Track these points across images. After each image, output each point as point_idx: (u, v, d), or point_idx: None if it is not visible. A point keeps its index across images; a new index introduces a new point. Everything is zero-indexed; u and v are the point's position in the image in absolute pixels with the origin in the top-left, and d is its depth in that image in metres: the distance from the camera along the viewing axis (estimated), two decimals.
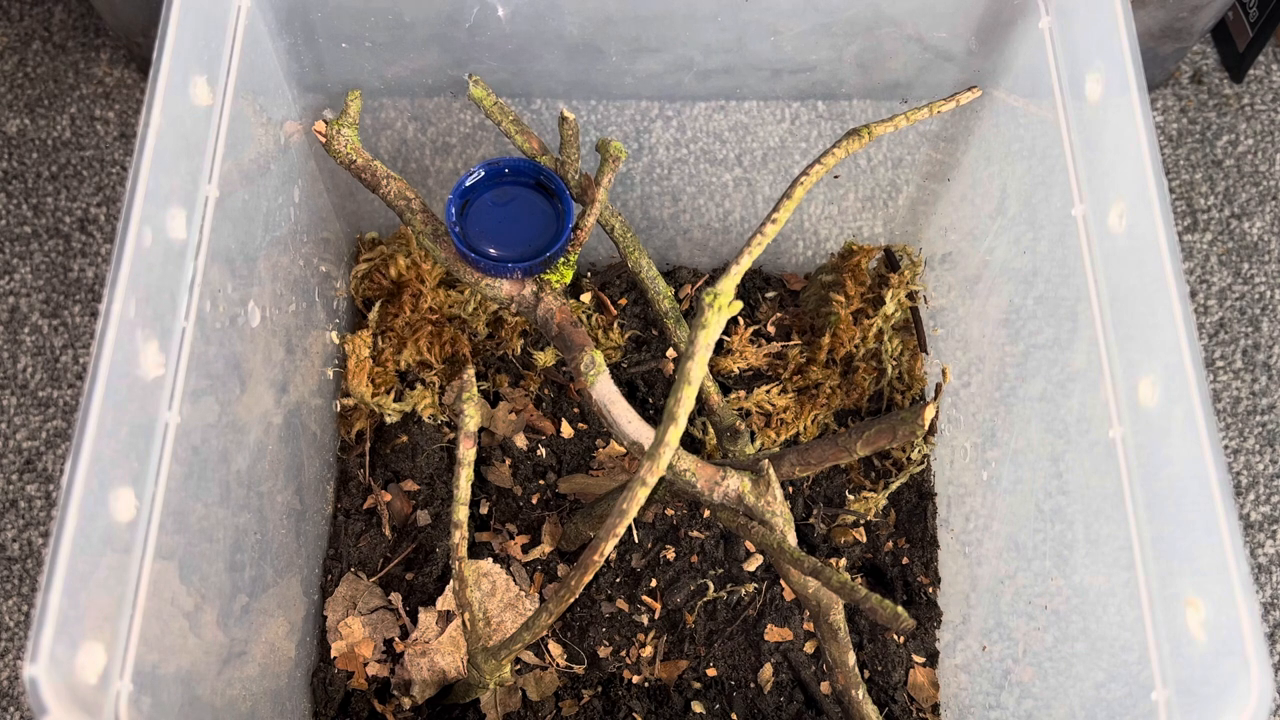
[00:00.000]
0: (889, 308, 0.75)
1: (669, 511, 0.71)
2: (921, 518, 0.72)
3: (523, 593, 0.69)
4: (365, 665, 0.68)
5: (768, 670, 0.68)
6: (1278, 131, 0.92)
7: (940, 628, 0.70)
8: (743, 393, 0.74)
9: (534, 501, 0.72)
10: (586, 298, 0.77)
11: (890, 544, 0.72)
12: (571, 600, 0.52)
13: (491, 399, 0.75)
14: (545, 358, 0.75)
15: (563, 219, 0.59)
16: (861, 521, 0.72)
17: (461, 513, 0.56)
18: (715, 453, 0.72)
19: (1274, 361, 0.84)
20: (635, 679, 0.67)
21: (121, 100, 0.92)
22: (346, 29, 0.61)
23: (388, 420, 0.73)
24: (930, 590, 0.71)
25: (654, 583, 0.69)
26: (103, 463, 0.42)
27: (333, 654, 0.68)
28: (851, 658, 0.61)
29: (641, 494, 0.46)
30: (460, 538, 0.56)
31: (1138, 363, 0.48)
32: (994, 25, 0.60)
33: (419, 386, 0.73)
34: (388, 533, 0.71)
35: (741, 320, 0.77)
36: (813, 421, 0.74)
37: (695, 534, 0.70)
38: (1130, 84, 0.50)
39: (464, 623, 0.58)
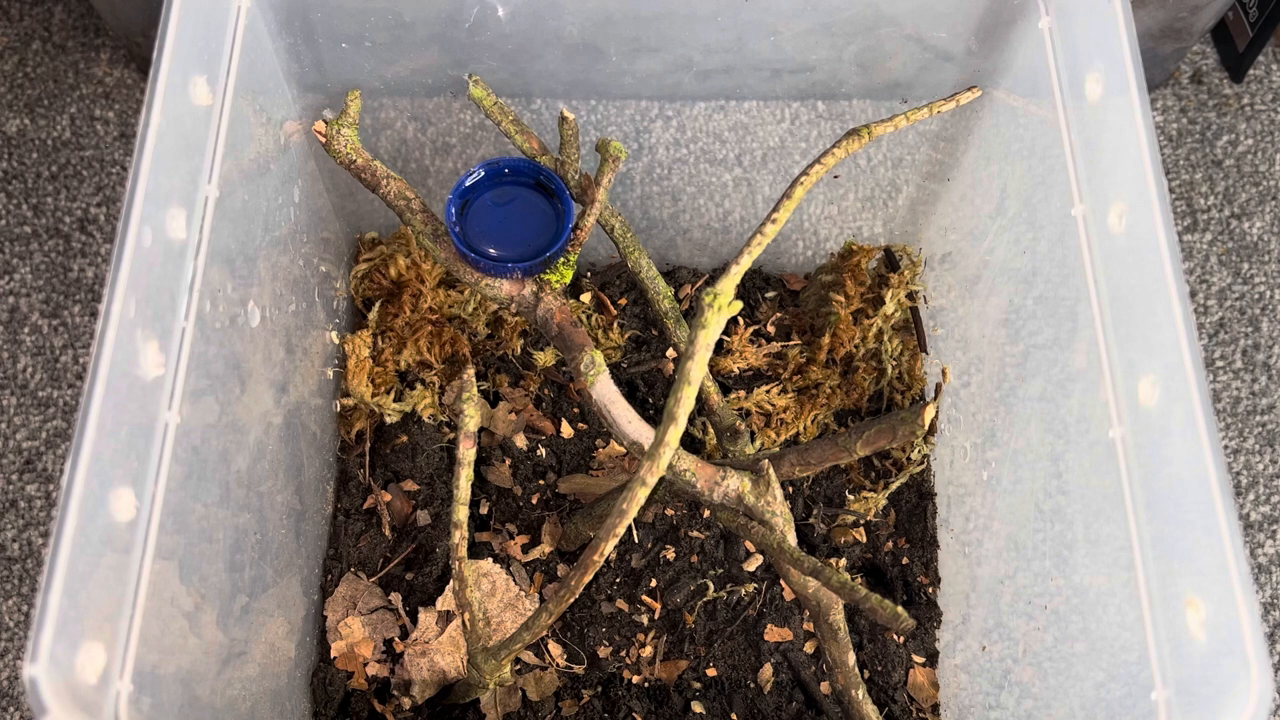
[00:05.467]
0: (889, 308, 0.74)
1: (669, 511, 0.71)
2: (921, 518, 0.72)
3: (523, 593, 0.69)
4: (365, 665, 0.68)
5: (768, 670, 0.68)
6: (1278, 131, 0.92)
7: (940, 628, 0.70)
8: (743, 393, 0.74)
9: (534, 501, 0.72)
10: (586, 298, 0.77)
11: (890, 544, 0.72)
12: (571, 600, 0.52)
13: (491, 399, 0.75)
14: (545, 358, 0.75)
15: (563, 219, 0.59)
16: (861, 521, 0.72)
17: (461, 513, 0.56)
18: (715, 453, 0.72)
19: (1274, 361, 0.84)
20: (635, 679, 0.67)
21: (121, 100, 0.92)
22: (346, 29, 0.61)
23: (388, 420, 0.73)
24: (930, 590, 0.71)
25: (654, 583, 0.69)
26: (103, 463, 0.42)
27: (333, 654, 0.68)
28: (851, 658, 0.61)
29: (641, 494, 0.46)
30: (460, 538, 0.56)
31: (1138, 363, 0.48)
32: (994, 25, 0.60)
33: (419, 386, 0.73)
34: (388, 533, 0.71)
35: (741, 320, 0.77)
36: (813, 421, 0.74)
37: (695, 534, 0.70)
38: (1130, 84, 0.50)
39: (464, 623, 0.58)
